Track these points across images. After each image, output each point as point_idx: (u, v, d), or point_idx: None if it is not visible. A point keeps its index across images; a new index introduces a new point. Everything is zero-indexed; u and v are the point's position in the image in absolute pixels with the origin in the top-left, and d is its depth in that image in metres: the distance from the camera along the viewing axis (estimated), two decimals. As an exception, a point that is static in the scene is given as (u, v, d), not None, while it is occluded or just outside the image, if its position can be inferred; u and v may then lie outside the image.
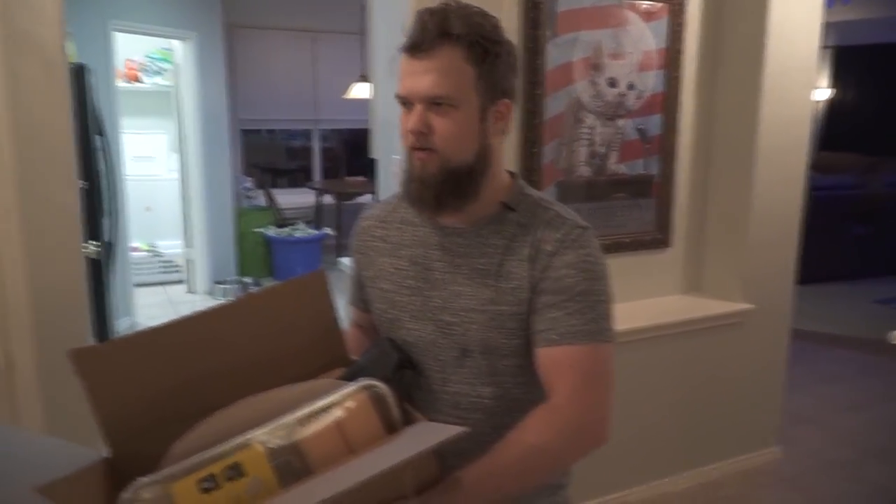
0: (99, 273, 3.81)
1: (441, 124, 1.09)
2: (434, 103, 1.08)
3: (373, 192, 7.37)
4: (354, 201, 7.44)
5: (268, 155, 8.10)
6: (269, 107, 7.19)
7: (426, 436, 0.95)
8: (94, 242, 3.41)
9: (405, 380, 1.15)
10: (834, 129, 9.83)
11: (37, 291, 1.78)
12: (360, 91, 6.11)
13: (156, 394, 1.02)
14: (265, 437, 0.92)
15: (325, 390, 1.00)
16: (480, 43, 1.08)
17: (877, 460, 3.22)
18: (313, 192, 7.39)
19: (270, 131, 7.96)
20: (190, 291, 5.87)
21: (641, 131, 2.68)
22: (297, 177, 8.07)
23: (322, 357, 1.15)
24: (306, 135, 7.85)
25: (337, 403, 0.97)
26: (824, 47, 9.14)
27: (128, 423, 1.01)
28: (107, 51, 4.61)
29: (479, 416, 1.19)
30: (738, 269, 2.91)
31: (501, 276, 1.15)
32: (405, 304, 1.23)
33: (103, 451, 1.01)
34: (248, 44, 6.93)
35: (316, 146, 7.83)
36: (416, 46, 1.09)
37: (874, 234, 6.52)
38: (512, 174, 1.24)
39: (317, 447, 0.93)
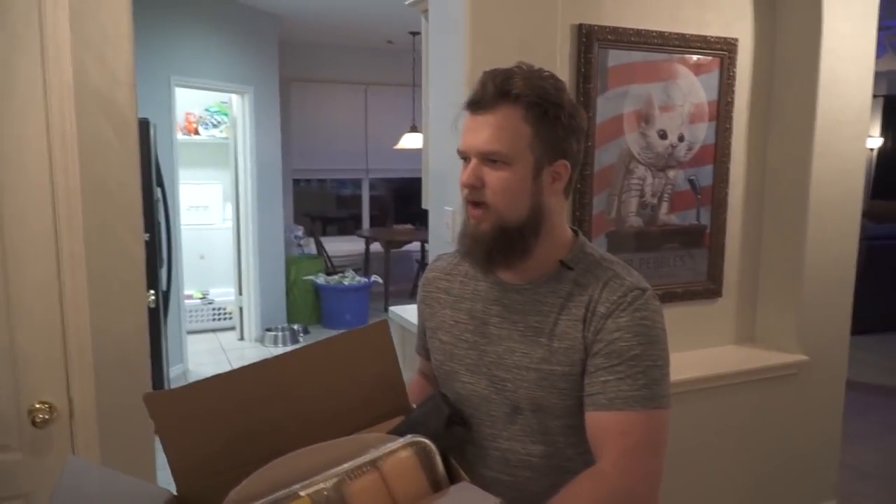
0: (155, 321, 3.92)
1: (493, 179, 1.12)
2: (489, 159, 1.12)
3: (421, 241, 7.49)
4: (402, 249, 7.53)
5: (318, 203, 8.29)
6: (320, 157, 7.38)
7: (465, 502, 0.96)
8: (152, 292, 3.52)
9: (456, 436, 1.15)
10: (886, 177, 9.62)
11: (101, 342, 1.84)
12: (410, 141, 6.24)
13: (223, 438, 1.06)
14: (314, 488, 0.95)
15: (375, 444, 1.01)
16: (539, 104, 1.11)
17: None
18: (362, 240, 7.50)
19: (321, 180, 8.15)
20: (241, 338, 5.96)
21: (692, 182, 2.68)
22: (347, 225, 8.22)
23: (384, 406, 1.16)
24: (356, 183, 8.02)
25: (384, 457, 0.98)
26: (874, 96, 9.03)
27: (196, 465, 1.05)
28: (169, 105, 4.82)
29: (528, 475, 1.19)
30: (791, 319, 2.84)
31: (555, 336, 1.15)
32: (462, 356, 1.24)
33: (173, 490, 1.05)
34: (302, 96, 7.16)
35: (365, 195, 7.98)
36: (476, 104, 1.13)
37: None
38: (575, 232, 1.25)
39: (362, 500, 0.95)
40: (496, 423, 1.20)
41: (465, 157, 1.16)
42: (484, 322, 1.23)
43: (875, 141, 9.55)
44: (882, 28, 5.09)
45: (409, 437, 1.01)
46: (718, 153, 2.71)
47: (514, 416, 1.18)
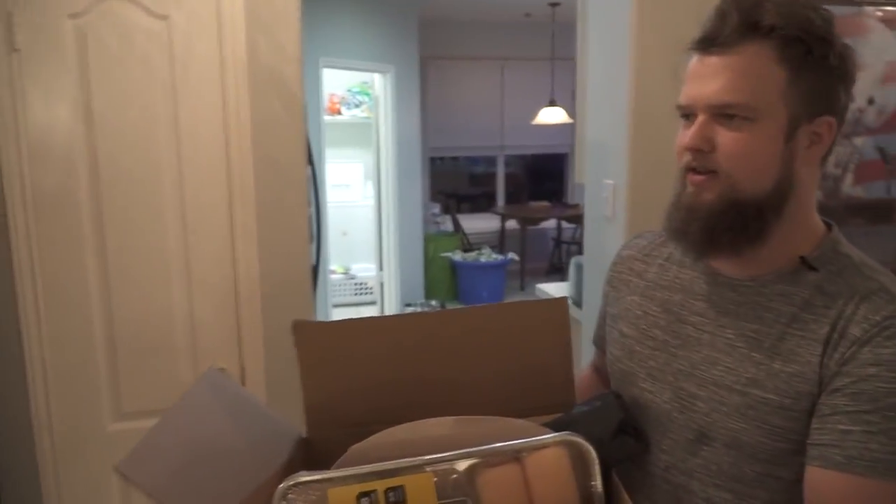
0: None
1: (729, 140, 0.85)
2: (723, 114, 0.85)
3: (557, 217, 7.35)
4: (538, 226, 7.43)
5: (452, 181, 8.32)
6: (457, 134, 7.40)
7: None
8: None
9: (625, 447, 0.94)
10: None
11: (269, 310, 1.90)
12: (547, 116, 6.11)
13: (366, 383, 0.99)
14: (443, 465, 0.82)
15: (523, 432, 0.87)
16: (802, 39, 0.84)
17: None
18: (497, 217, 7.46)
19: (454, 158, 8.17)
20: (381, 313, 6.10)
21: (882, 150, 2.41)
22: (480, 202, 8.20)
23: (546, 396, 1.02)
24: (489, 161, 7.98)
25: (530, 451, 0.84)
26: None
27: (331, 406, 0.99)
28: (317, 86, 4.95)
29: None
30: None
31: (778, 354, 0.87)
32: (645, 357, 1.01)
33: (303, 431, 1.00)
34: (440, 74, 7.19)
35: (500, 172, 7.92)
36: (710, 40, 0.86)
37: None
38: (829, 225, 0.95)
39: (494, 495, 0.82)
40: (674, 450, 0.95)
41: (687, 113, 0.90)
42: (680, 319, 0.98)
43: None
44: None
45: (564, 434, 0.85)
46: (914, 117, 2.42)
47: (698, 445, 0.92)
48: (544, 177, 8.19)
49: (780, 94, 0.84)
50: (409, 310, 5.90)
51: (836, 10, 2.26)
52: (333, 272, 6.14)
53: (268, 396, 1.90)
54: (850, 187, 2.40)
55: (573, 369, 1.05)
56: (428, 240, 6.54)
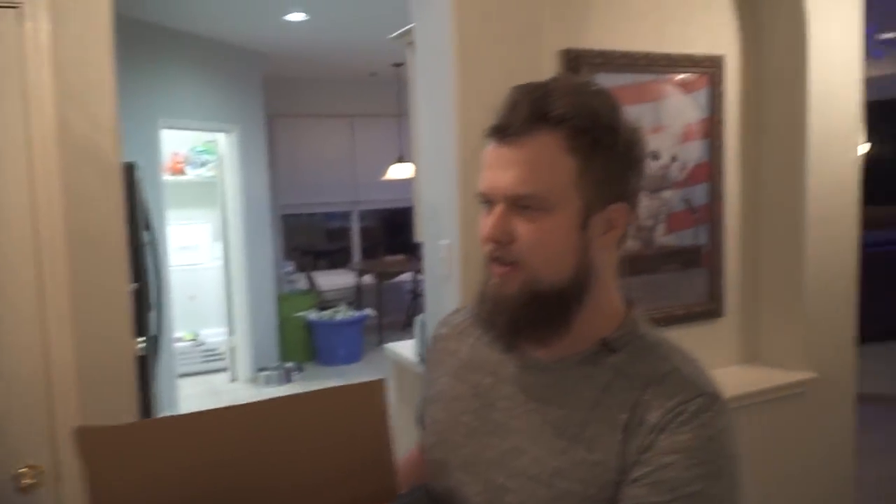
0: (144, 368, 3.82)
1: (526, 231, 0.85)
2: (519, 205, 0.85)
3: (413, 271, 7.43)
4: (395, 280, 7.47)
5: (307, 238, 8.24)
6: (309, 191, 7.36)
7: None
8: (141, 339, 3.44)
9: None
10: (875, 182, 9.65)
11: (88, 399, 1.77)
12: (397, 172, 6.22)
13: (166, 494, 0.88)
14: None
15: None
16: (589, 129, 0.84)
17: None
18: (353, 272, 7.44)
19: (310, 214, 8.11)
20: (233, 380, 5.86)
21: (688, 201, 2.65)
22: (337, 258, 8.16)
23: (366, 485, 0.96)
24: (345, 216, 7.98)
25: None
26: (858, 103, 9.09)
27: None
28: (155, 147, 4.78)
29: None
30: (796, 335, 2.80)
31: (581, 442, 0.84)
32: (457, 445, 0.95)
33: None
34: (288, 131, 7.15)
35: (355, 227, 7.93)
36: (502, 130, 0.86)
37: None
38: (630, 304, 0.95)
39: None
40: None
41: (486, 200, 0.89)
42: (490, 404, 0.94)
43: (862, 147, 9.62)
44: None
45: None
46: (712, 170, 2.68)
47: None
48: (399, 230, 8.28)
49: (573, 184, 0.84)
50: (264, 374, 5.71)
51: (637, 77, 2.49)
52: (180, 340, 5.85)
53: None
54: (662, 236, 2.61)
55: (394, 454, 0.99)
56: (282, 299, 6.39)
